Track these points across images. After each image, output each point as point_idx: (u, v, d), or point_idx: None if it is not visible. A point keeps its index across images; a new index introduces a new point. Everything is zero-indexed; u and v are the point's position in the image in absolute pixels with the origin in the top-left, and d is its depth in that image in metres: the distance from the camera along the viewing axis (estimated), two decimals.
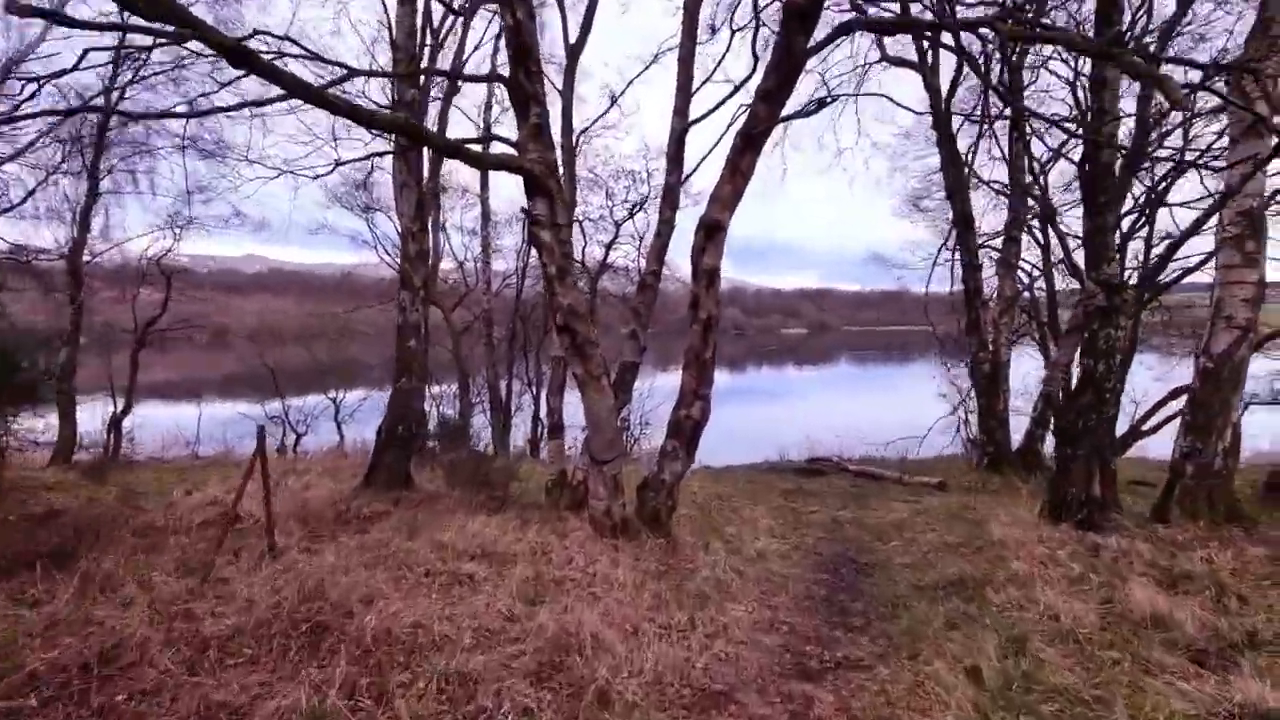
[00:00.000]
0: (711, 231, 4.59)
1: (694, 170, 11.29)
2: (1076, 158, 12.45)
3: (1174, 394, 16.77)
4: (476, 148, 5.13)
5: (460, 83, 9.82)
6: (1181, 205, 11.34)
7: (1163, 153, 9.69)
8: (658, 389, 20.69)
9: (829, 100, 8.59)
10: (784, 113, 4.49)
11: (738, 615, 3.99)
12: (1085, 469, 5.48)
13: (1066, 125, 7.56)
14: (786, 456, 16.02)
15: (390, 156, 8.13)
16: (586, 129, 13.08)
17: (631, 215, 17.68)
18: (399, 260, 8.31)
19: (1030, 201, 9.76)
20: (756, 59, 7.17)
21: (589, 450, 5.11)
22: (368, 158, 8.30)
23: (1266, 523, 5.47)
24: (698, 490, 8.89)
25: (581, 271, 17.86)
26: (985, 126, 10.48)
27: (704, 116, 6.64)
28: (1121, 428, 16.63)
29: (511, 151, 4.63)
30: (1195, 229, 5.19)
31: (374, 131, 8.27)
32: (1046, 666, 3.08)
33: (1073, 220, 16.53)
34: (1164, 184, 13.52)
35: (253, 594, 3.91)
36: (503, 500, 7.06)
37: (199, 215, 12.58)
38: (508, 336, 18.07)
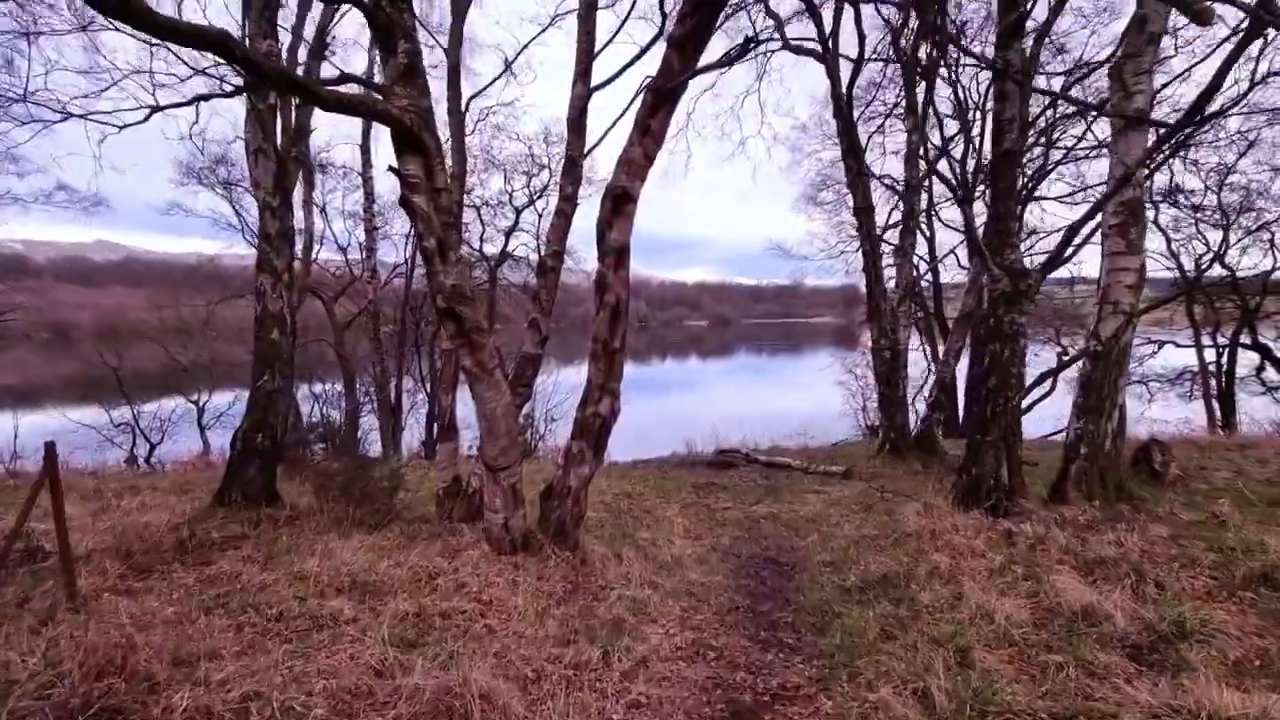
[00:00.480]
0: (619, 202, 4.04)
1: (598, 143, 10.62)
2: (968, 151, 13.23)
3: (1042, 377, 18.33)
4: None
5: (327, 41, 8.59)
6: (1054, 199, 12.06)
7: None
8: (563, 384, 20.04)
9: (753, 44, 8.18)
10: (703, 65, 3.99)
11: (657, 642, 3.48)
12: (994, 455, 5.47)
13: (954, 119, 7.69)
14: (695, 449, 15.89)
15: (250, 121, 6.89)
16: (479, 94, 12.11)
17: (532, 202, 16.81)
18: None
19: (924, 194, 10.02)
20: (665, 17, 6.67)
21: (483, 456, 4.43)
22: (192, 101, 6.93)
23: (1152, 500, 5.72)
24: (606, 490, 8.38)
25: (478, 259, 16.79)
26: (883, 120, 10.66)
27: (609, 81, 6.06)
28: None
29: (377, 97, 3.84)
30: (1090, 216, 5.24)
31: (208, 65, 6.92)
32: (995, 680, 2.81)
33: (955, 215, 17.46)
34: (1032, 181, 14.57)
35: (20, 667, 2.93)
36: (386, 515, 6.19)
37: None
38: (397, 330, 16.67)
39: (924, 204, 13.94)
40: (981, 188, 15.28)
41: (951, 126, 13.08)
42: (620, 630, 3.56)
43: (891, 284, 10.50)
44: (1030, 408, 18.42)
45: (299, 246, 12.70)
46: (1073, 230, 5.34)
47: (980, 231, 6.32)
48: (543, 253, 5.82)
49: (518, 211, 16.77)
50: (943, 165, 12.39)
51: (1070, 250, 5.91)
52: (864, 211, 9.84)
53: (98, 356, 17.66)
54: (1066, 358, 17.83)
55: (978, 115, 13.53)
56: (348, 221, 16.80)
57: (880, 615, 3.69)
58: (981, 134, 14.85)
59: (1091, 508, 5.44)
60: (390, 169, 3.61)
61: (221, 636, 3.45)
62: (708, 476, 9.49)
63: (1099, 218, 6.00)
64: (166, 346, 18.65)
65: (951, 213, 18.49)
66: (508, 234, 16.80)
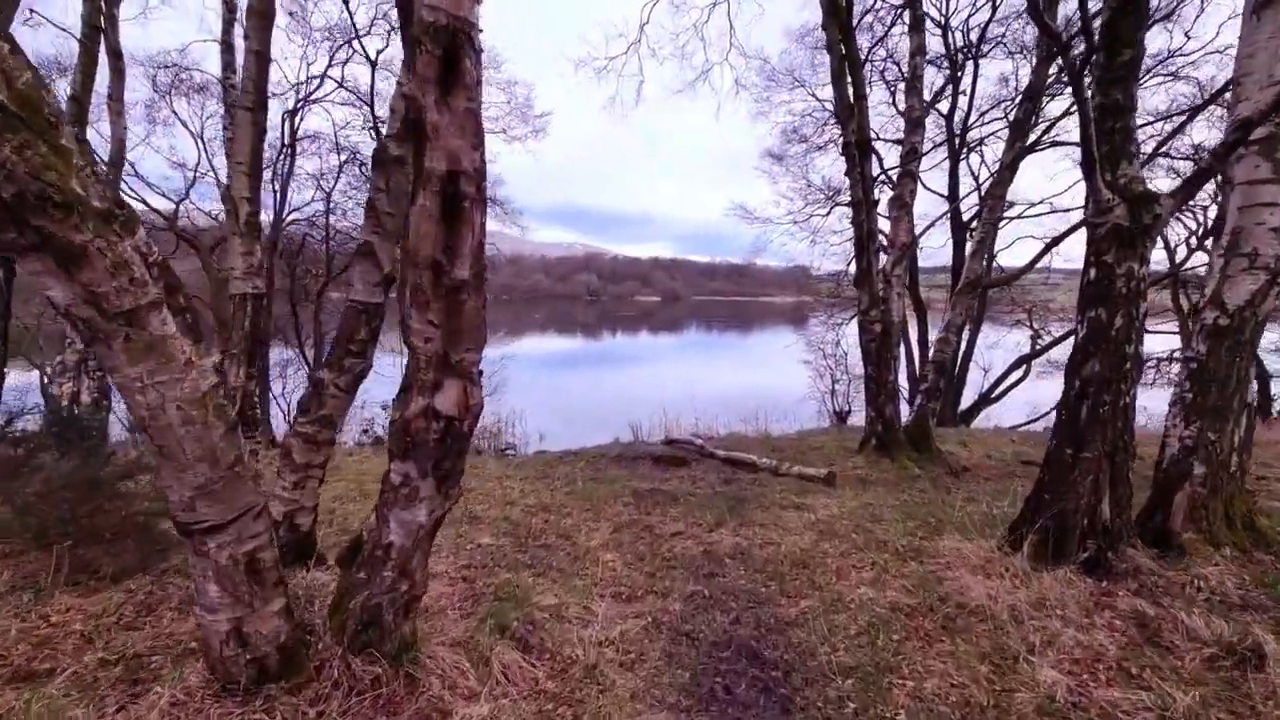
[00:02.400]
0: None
1: None
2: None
3: (1019, 362, 17.06)
4: None
5: None
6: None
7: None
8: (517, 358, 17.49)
9: None
10: None
11: None
12: (1094, 480, 3.52)
13: None
14: (641, 436, 13.86)
15: None
16: None
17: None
18: None
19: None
20: None
21: (171, 511, 2.11)
22: None
23: None
24: (518, 500, 6.19)
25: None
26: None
27: None
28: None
29: None
30: (1245, 135, 3.27)
31: None
32: None
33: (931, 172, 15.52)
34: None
35: None
36: (140, 556, 3.84)
37: None
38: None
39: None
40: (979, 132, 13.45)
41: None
42: None
43: (889, 241, 8.53)
44: (1000, 396, 17.19)
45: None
46: (1219, 157, 3.38)
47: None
48: (384, 133, 3.48)
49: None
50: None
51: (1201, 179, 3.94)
52: (859, 147, 7.77)
53: None
54: (1043, 342, 16.58)
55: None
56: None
57: None
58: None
59: (1231, 560, 3.59)
60: None
61: None
62: (653, 477, 7.40)
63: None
64: None
65: (930, 176, 16.82)
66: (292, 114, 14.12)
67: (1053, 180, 47.15)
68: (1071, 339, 3.88)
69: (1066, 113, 12.63)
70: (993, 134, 15.47)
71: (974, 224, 14.30)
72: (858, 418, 13.95)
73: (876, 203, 8.24)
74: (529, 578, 4.10)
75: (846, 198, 17.32)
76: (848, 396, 14.01)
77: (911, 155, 8.25)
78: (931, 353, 8.67)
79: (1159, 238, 11.44)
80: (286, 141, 11.63)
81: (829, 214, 16.85)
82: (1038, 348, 16.23)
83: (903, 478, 7.36)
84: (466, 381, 2.29)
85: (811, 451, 9.28)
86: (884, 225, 9.96)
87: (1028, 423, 15.43)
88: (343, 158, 12.55)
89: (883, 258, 8.36)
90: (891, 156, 15.13)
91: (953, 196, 15.14)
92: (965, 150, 15.06)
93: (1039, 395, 16.48)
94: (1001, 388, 15.52)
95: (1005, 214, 11.41)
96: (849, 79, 7.74)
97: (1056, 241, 13.34)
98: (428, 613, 3.36)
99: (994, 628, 3.03)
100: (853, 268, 17.66)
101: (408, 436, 2.31)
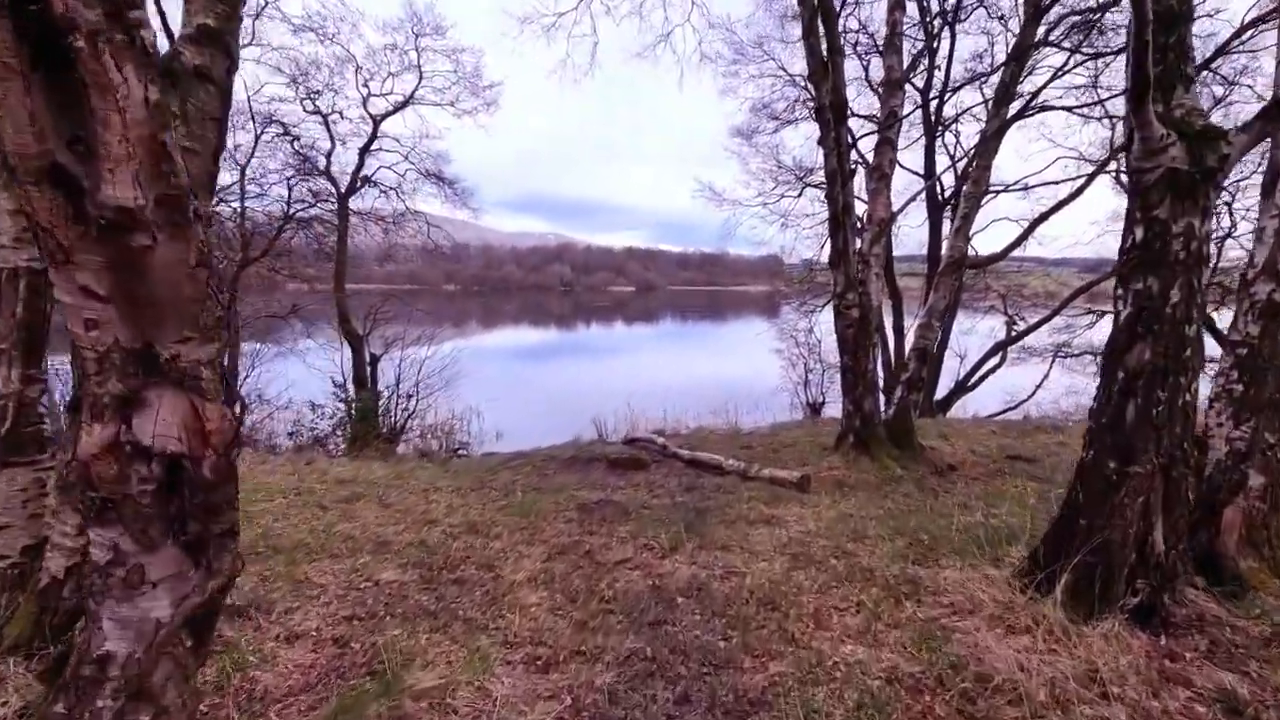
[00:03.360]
0: None
1: None
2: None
3: (996, 348, 16.53)
4: None
5: None
6: None
7: None
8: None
9: None
10: None
11: None
12: (1144, 503, 2.71)
13: None
14: (607, 432, 12.96)
15: None
16: None
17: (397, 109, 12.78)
18: None
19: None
20: None
21: None
22: None
23: None
24: (442, 517, 5.25)
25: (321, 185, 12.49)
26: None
27: None
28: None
29: None
30: None
31: None
32: None
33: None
34: None
35: None
36: None
37: None
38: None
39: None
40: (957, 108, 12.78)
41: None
42: None
43: (866, 217, 7.73)
44: (976, 384, 16.69)
45: None
46: None
47: None
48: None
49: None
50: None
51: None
52: (834, 110, 6.91)
53: None
54: (1019, 328, 16.08)
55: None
56: None
57: None
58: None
59: None
60: None
61: None
62: (606, 485, 6.50)
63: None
64: None
65: (903, 155, 16.18)
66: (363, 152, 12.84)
67: (1027, 161, 47.19)
68: (1046, 325, 3.04)
69: (1048, 83, 11.98)
70: (967, 111, 14.84)
71: (953, 202, 13.65)
72: (833, 409, 13.25)
73: (853, 173, 7.41)
74: (423, 635, 3.18)
75: (819, 178, 16.57)
76: (822, 387, 13.31)
77: (891, 120, 7.42)
78: (912, 339, 7.90)
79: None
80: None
81: (800, 195, 16.07)
82: (1013, 334, 15.71)
83: (884, 479, 6.58)
84: (192, 394, 1.34)
85: (784, 449, 8.48)
86: (860, 207, 9.18)
87: (1003, 411, 14.94)
88: (259, 128, 11.24)
89: (859, 239, 7.55)
90: (864, 137, 14.36)
91: (929, 174, 14.47)
92: (941, 127, 14.38)
93: (1013, 383, 15.99)
94: (978, 375, 14.96)
95: (989, 188, 10.71)
96: (823, 32, 6.86)
97: (1040, 221, 12.74)
98: (253, 713, 2.41)
99: (1031, 715, 2.20)
100: (826, 251, 17.01)
101: (92, 489, 1.35)
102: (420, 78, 12.69)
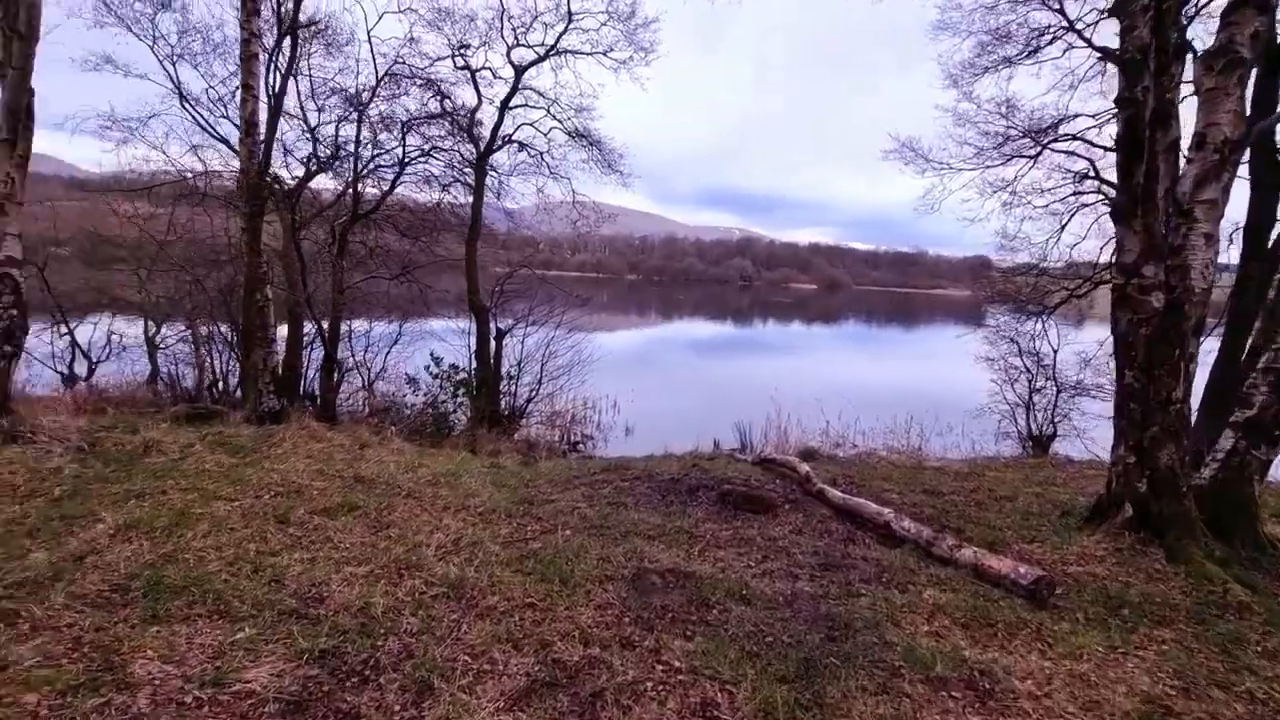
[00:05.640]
0: None
1: None
2: None
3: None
4: None
5: None
6: None
7: None
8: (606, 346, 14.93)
9: None
10: None
11: None
12: None
13: None
14: (747, 440, 10.66)
15: None
16: None
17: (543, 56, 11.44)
18: None
19: None
20: None
21: None
22: None
23: None
24: (430, 562, 3.50)
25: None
26: None
27: None
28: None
29: None
30: None
31: None
32: None
33: None
34: None
35: None
36: None
37: None
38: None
39: None
40: None
41: None
42: None
43: (1197, 140, 4.60)
44: None
45: None
46: None
47: None
48: None
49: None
50: None
51: None
52: None
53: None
54: None
55: None
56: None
57: None
58: None
59: None
60: None
61: None
62: (698, 534, 4.30)
63: None
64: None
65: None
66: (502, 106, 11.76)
67: None
68: None
69: None
70: None
71: None
72: (1069, 446, 9.50)
73: (1183, 49, 4.30)
74: None
75: (1066, 131, 12.35)
76: (1052, 413, 9.53)
77: None
78: (1266, 357, 4.55)
79: None
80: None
81: (1035, 160, 12.07)
82: None
83: (1203, 600, 3.55)
84: None
85: (994, 504, 5.56)
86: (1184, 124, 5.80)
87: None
88: (381, 68, 10.30)
89: (1176, 177, 4.43)
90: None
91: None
92: None
93: None
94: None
95: None
96: None
97: None
98: None
99: None
100: (1061, 240, 12.59)
101: None
102: (569, 19, 11.30)
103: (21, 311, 6.04)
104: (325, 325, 9.17)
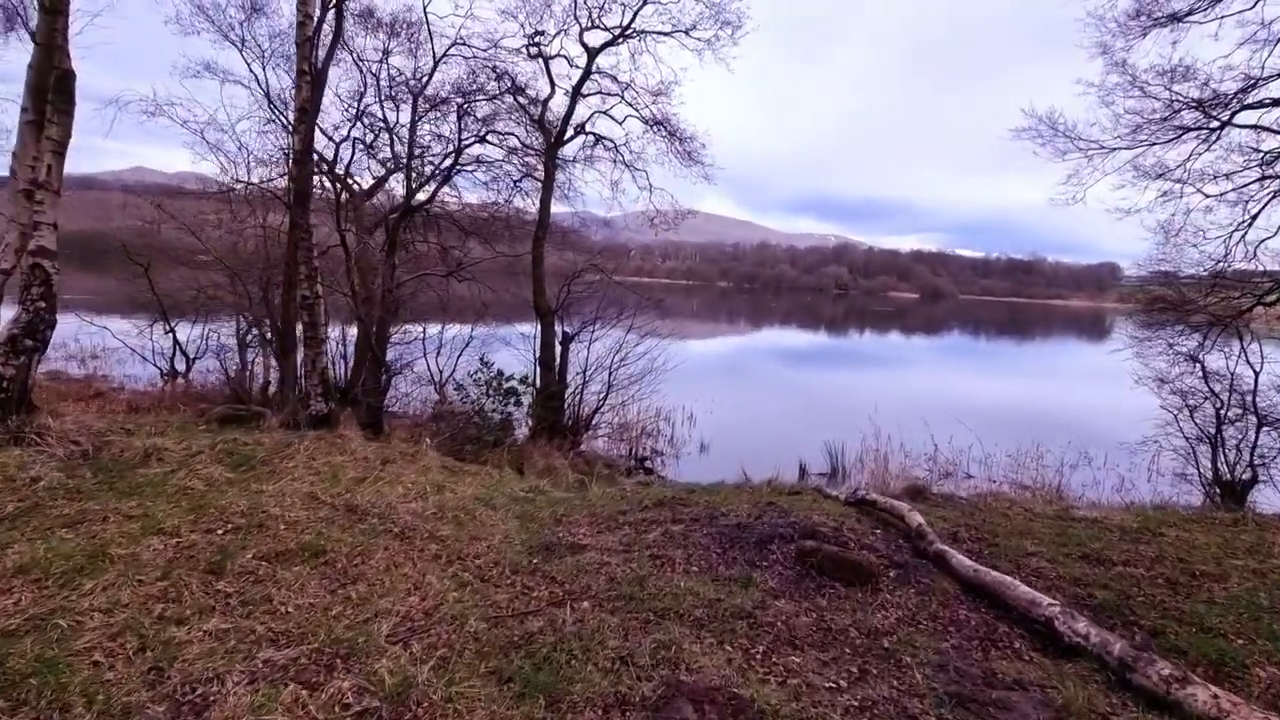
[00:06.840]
0: None
1: None
2: None
3: None
4: None
5: None
6: None
7: None
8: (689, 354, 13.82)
9: None
10: None
11: None
12: None
13: None
14: (839, 464, 9.20)
15: None
16: None
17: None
18: None
19: None
20: None
21: None
22: None
23: None
24: (383, 646, 2.48)
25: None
26: None
27: None
28: None
29: None
30: None
31: None
32: None
33: None
34: None
35: None
36: None
37: None
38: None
39: None
40: None
41: None
42: None
43: None
44: None
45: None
46: None
47: None
48: None
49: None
50: None
51: None
52: None
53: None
54: None
55: None
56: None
57: None
58: None
59: None
60: None
61: None
62: (764, 620, 3.06)
63: None
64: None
65: None
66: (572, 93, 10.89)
67: None
68: None
69: None
70: None
71: None
72: (1273, 498, 7.27)
73: None
74: None
75: (1255, 99, 9.89)
76: (1251, 454, 7.28)
77: None
78: None
79: None
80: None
81: (1220, 131, 9.69)
82: None
83: None
84: None
85: (1193, 586, 3.89)
86: None
87: None
88: (439, 51, 9.58)
89: None
90: None
91: None
92: None
93: None
94: None
95: None
96: None
97: None
98: None
99: None
100: (1243, 240, 10.00)
101: None
102: None
103: (50, 305, 5.73)
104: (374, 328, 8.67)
